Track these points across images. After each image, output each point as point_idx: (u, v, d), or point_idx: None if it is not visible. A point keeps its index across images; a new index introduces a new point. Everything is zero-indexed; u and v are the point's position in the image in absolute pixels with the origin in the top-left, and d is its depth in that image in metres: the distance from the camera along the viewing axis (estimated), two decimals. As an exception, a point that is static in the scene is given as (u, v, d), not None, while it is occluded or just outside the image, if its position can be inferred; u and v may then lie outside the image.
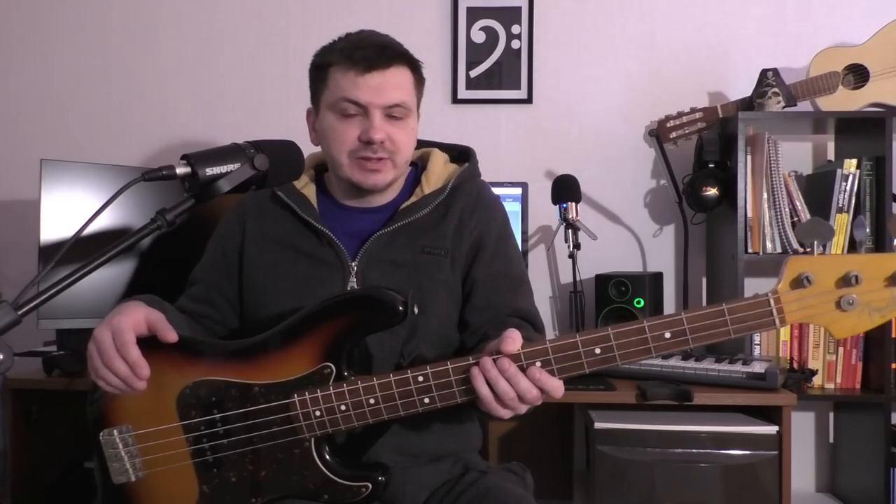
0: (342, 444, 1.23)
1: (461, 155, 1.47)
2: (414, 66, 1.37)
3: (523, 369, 1.06)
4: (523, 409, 1.09)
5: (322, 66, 1.34)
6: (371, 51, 1.30)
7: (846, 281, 1.00)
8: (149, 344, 1.16)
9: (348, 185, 1.37)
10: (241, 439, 1.16)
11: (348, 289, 1.32)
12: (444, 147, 1.49)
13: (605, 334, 1.06)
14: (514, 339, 1.07)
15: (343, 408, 1.13)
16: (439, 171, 1.41)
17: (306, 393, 1.14)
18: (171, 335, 1.16)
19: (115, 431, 1.19)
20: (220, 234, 1.46)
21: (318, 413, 1.13)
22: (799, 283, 1.01)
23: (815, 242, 1.03)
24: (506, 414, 1.09)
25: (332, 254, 1.35)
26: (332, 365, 1.14)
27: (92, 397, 1.24)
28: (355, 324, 1.15)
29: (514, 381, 1.06)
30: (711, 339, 1.04)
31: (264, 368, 1.17)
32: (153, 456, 1.19)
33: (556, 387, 1.07)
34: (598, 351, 1.06)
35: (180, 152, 1.08)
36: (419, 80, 1.38)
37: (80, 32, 2.58)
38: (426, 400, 1.11)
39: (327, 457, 1.16)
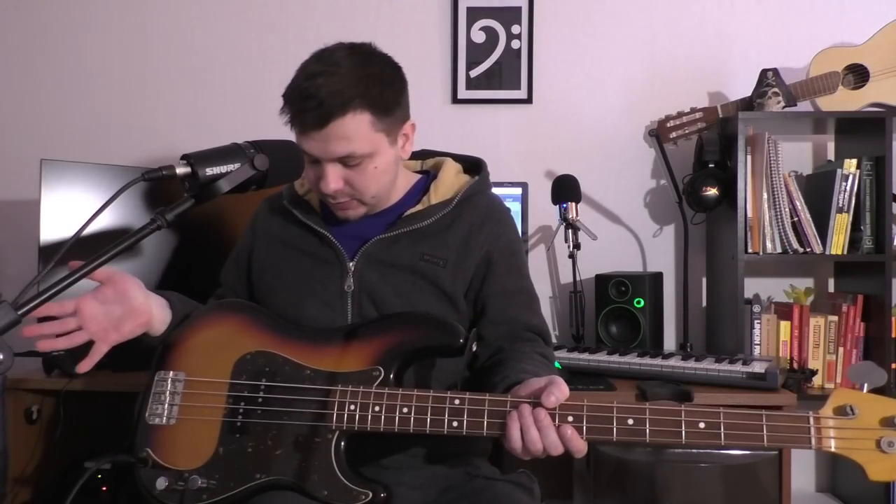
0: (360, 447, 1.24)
1: (473, 166, 1.46)
2: (370, 102, 1.24)
3: (554, 419, 1.08)
4: (543, 456, 1.09)
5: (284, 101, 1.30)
6: (308, 107, 1.22)
7: (890, 422, 0.99)
8: (228, 308, 1.34)
9: None
10: (273, 411, 1.21)
11: (345, 287, 1.34)
12: (457, 158, 1.48)
13: (642, 407, 1.07)
14: (557, 398, 1.07)
15: (377, 409, 1.16)
16: (449, 181, 1.40)
17: (350, 386, 1.19)
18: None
19: (171, 374, 1.27)
20: (240, 240, 1.51)
21: (352, 407, 1.17)
22: (842, 412, 1.01)
23: (866, 385, 1.03)
24: (525, 457, 1.10)
25: (331, 253, 1.37)
26: (381, 369, 1.20)
27: (166, 341, 1.31)
28: (416, 340, 1.23)
29: (544, 434, 1.07)
30: (743, 441, 1.03)
31: (322, 356, 1.24)
32: (190, 404, 1.25)
33: (581, 449, 1.08)
34: (630, 421, 1.06)
35: (180, 152, 1.08)
36: (383, 112, 1.26)
37: (80, 32, 2.58)
38: (454, 423, 1.13)
39: (343, 455, 1.18)
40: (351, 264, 1.35)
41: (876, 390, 1.04)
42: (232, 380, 1.24)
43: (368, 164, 1.28)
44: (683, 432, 1.05)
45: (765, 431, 1.02)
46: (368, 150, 1.26)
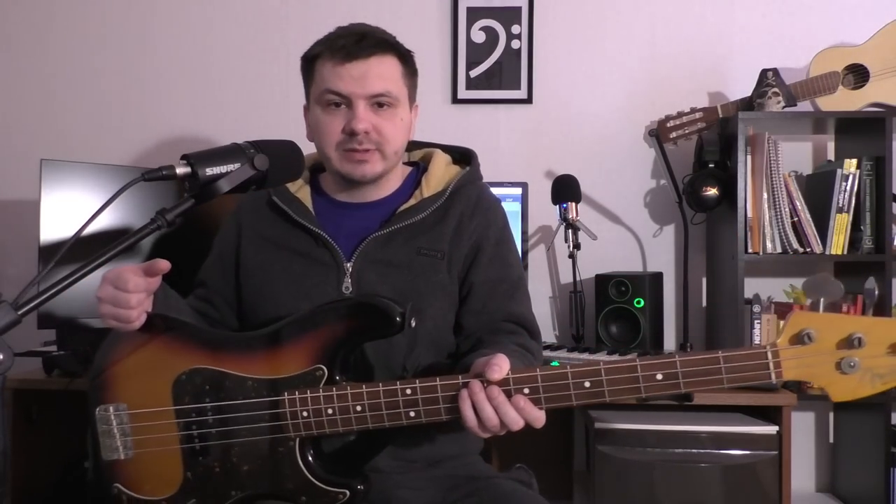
0: (336, 451, 1.23)
1: (463, 157, 1.46)
2: (402, 55, 1.35)
3: (510, 394, 1.06)
4: (502, 432, 1.09)
5: (309, 59, 1.35)
6: (351, 39, 1.29)
7: (849, 343, 0.96)
8: (151, 327, 1.22)
9: (340, 178, 1.36)
10: (229, 430, 1.18)
11: (343, 289, 1.32)
12: (446, 149, 1.48)
13: (597, 368, 1.05)
14: (500, 368, 1.06)
15: (330, 411, 1.14)
16: (440, 173, 1.40)
17: (296, 392, 1.15)
18: (162, 264, 1.16)
19: (111, 408, 1.22)
20: (219, 237, 1.47)
21: (304, 414, 1.15)
22: (800, 339, 0.97)
23: (822, 300, 0.99)
24: (485, 435, 1.10)
25: (327, 254, 1.34)
26: (324, 368, 1.15)
27: (94, 373, 1.27)
28: (352, 330, 1.17)
29: (500, 411, 1.06)
30: (704, 386, 1.01)
31: (260, 363, 1.19)
32: (144, 436, 1.22)
33: (538, 418, 1.07)
34: (587, 384, 1.05)
35: (180, 152, 1.08)
36: (410, 71, 1.36)
37: (80, 32, 2.58)
38: (412, 413, 1.11)
39: (310, 459, 1.17)
40: (348, 265, 1.33)
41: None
42: (176, 405, 1.20)
43: (396, 112, 1.32)
44: (642, 387, 1.03)
45: (724, 374, 1.00)
46: (398, 95, 1.32)
